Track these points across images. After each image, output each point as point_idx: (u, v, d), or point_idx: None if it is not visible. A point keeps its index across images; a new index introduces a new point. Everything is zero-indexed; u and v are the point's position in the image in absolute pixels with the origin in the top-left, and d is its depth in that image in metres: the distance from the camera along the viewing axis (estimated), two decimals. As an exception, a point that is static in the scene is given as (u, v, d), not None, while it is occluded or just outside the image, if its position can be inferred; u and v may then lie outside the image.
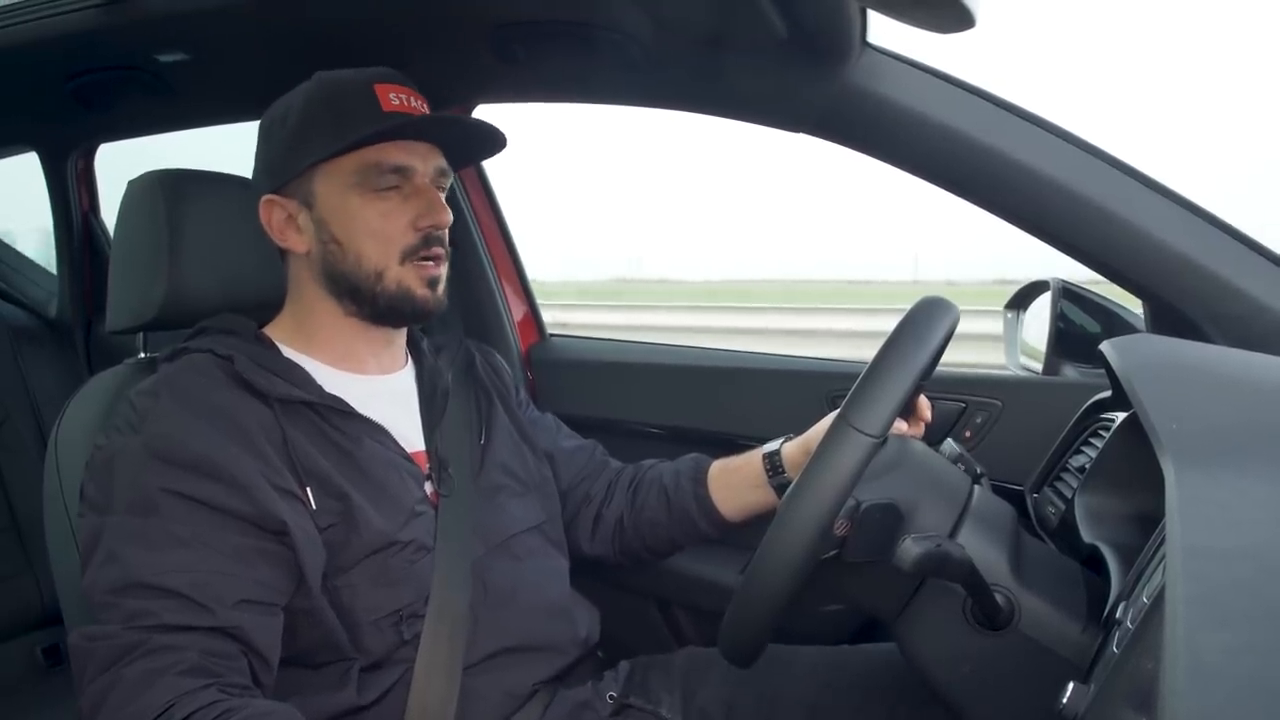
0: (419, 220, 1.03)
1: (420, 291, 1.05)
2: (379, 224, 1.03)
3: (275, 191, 1.06)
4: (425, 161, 1.05)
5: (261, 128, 1.09)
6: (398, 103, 1.03)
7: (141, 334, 1.18)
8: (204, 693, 0.82)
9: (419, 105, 1.05)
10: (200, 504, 0.91)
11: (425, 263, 1.05)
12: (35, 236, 2.34)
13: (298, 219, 1.06)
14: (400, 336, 1.14)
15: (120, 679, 0.83)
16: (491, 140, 1.12)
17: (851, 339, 6.60)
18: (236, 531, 0.91)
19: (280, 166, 1.06)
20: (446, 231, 1.07)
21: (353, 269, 1.04)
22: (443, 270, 1.07)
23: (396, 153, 1.03)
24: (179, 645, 0.85)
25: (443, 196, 1.08)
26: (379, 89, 1.03)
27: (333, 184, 1.03)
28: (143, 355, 1.18)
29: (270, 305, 1.12)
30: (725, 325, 7.65)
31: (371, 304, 1.05)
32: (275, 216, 1.07)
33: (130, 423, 0.95)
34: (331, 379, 1.05)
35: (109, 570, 0.88)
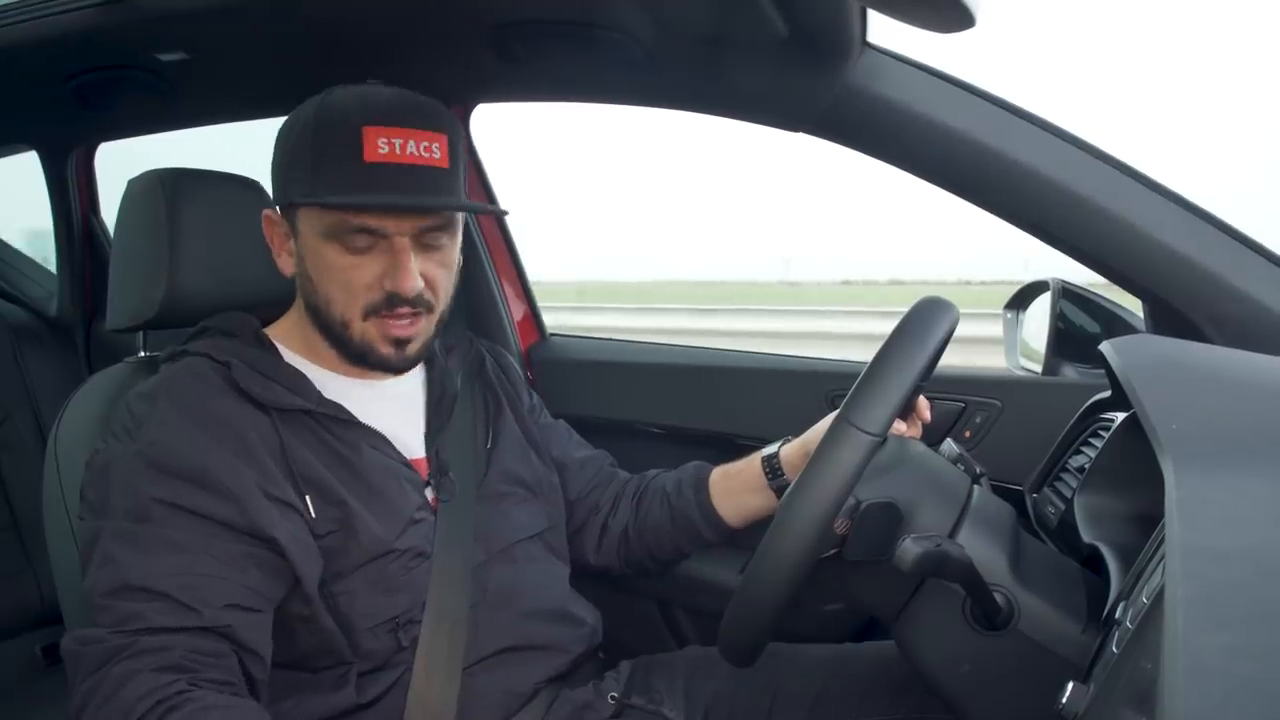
0: (384, 280, 0.99)
1: (384, 349, 1.02)
2: (345, 276, 0.99)
3: (274, 207, 1.06)
4: (400, 223, 0.97)
5: (277, 136, 1.06)
6: (385, 151, 0.94)
7: (141, 333, 1.18)
8: (173, 686, 0.83)
9: (419, 150, 0.96)
10: (193, 514, 0.91)
11: (391, 320, 1.00)
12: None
13: (289, 241, 1.05)
14: None
15: (104, 679, 0.84)
16: (481, 209, 1.09)
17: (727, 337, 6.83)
18: (229, 539, 0.92)
19: (275, 189, 1.05)
20: (439, 288, 1.03)
21: (323, 310, 1.02)
22: (416, 329, 1.02)
23: (369, 216, 0.96)
24: (165, 646, 0.85)
25: (443, 250, 1.02)
26: (367, 132, 0.94)
27: (310, 227, 1.00)
28: (143, 354, 1.18)
29: (270, 304, 1.11)
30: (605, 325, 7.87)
31: (341, 347, 1.04)
32: (275, 235, 1.06)
33: (126, 429, 0.95)
34: (332, 384, 1.05)
35: (104, 573, 0.89)
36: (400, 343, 1.02)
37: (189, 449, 0.93)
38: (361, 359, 1.04)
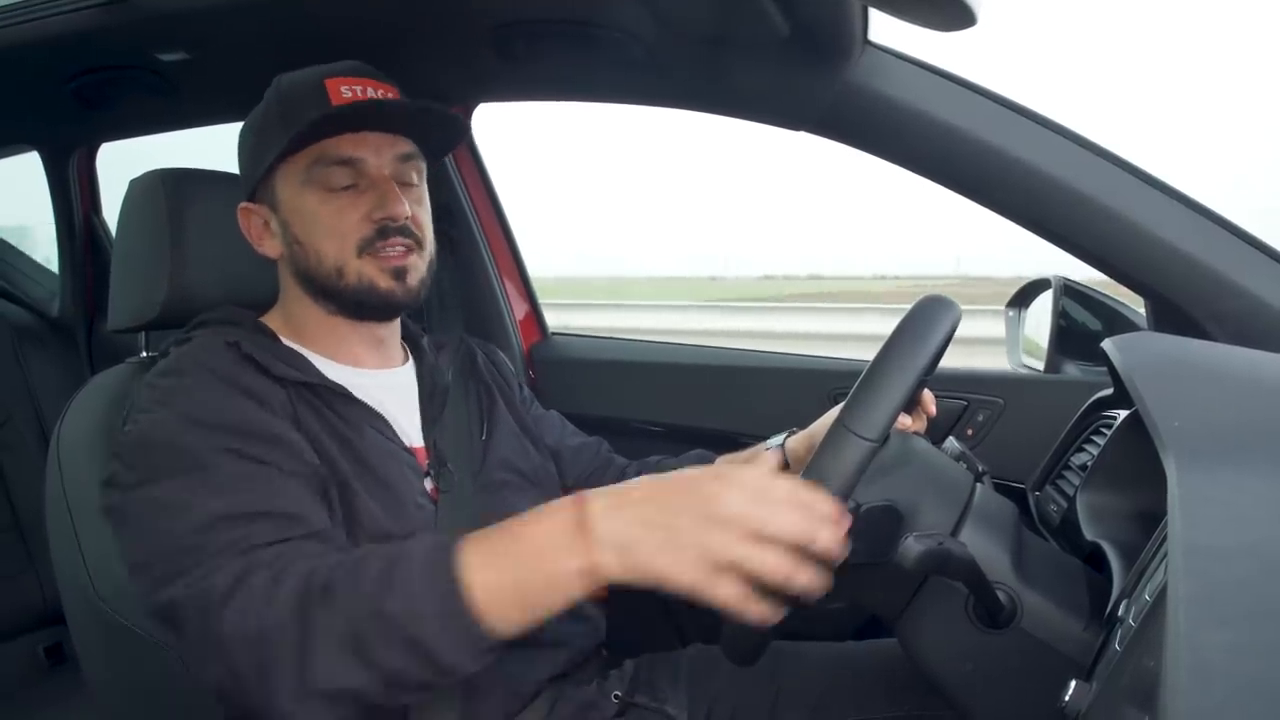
0: (373, 213, 1.01)
1: (384, 284, 1.02)
2: (333, 221, 1.01)
3: (249, 199, 1.07)
4: (379, 153, 1.02)
5: (239, 139, 1.09)
6: (349, 95, 1.01)
7: (143, 333, 1.18)
8: (325, 558, 0.82)
9: (378, 94, 1.03)
10: (257, 461, 0.89)
11: (384, 254, 1.02)
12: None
13: (269, 223, 1.06)
14: (392, 332, 1.13)
15: (250, 590, 0.80)
16: (449, 122, 1.08)
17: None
18: (297, 482, 0.91)
19: (248, 173, 1.07)
20: (423, 225, 1.05)
21: (315, 267, 1.03)
22: (411, 260, 1.03)
23: (344, 145, 1.00)
24: (284, 554, 0.83)
25: (417, 187, 1.06)
26: (329, 83, 1.01)
27: (289, 184, 1.03)
28: (144, 354, 1.18)
29: (271, 302, 1.12)
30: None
31: (340, 300, 1.04)
32: (253, 224, 1.07)
33: (158, 401, 0.93)
34: (328, 371, 1.05)
35: (184, 519, 0.84)
36: (399, 273, 1.02)
37: (232, 409, 0.92)
38: (360, 305, 1.04)
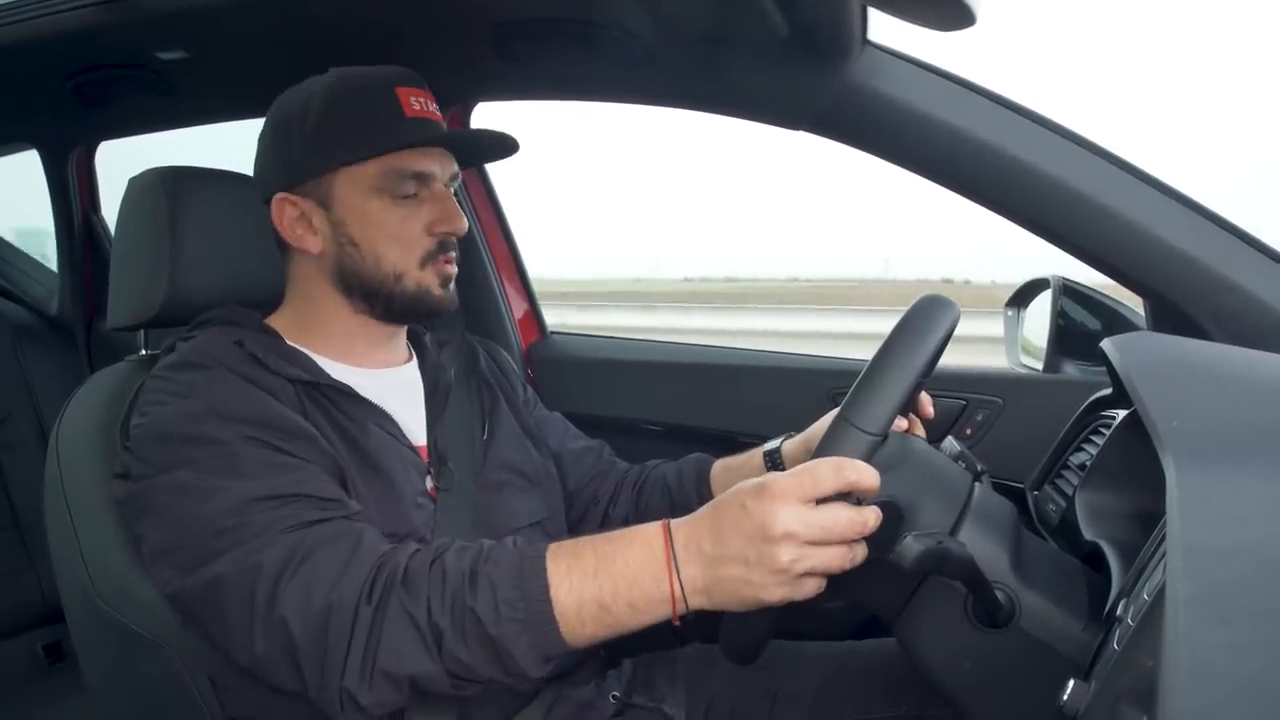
0: (435, 226, 1.04)
1: (437, 291, 1.06)
2: (398, 229, 1.04)
3: (289, 190, 1.05)
4: (443, 168, 1.07)
5: (272, 124, 1.07)
6: (418, 107, 1.04)
7: (142, 331, 1.17)
8: (402, 548, 0.85)
9: (433, 107, 1.07)
10: (283, 451, 0.90)
11: (443, 263, 1.07)
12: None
13: (312, 219, 1.05)
14: (401, 331, 1.14)
15: (315, 565, 0.82)
16: (502, 146, 1.14)
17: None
18: (324, 472, 0.92)
19: (300, 167, 1.04)
20: None
21: (371, 271, 1.04)
22: (455, 268, 1.09)
23: (418, 159, 1.04)
24: (343, 528, 0.86)
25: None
26: (401, 92, 1.03)
27: (354, 188, 1.03)
28: (144, 352, 1.18)
29: (272, 301, 1.11)
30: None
31: (386, 303, 1.06)
32: (286, 215, 1.05)
33: (175, 393, 0.93)
34: (333, 371, 1.05)
35: (216, 501, 0.85)
36: (447, 280, 1.08)
37: (252, 402, 0.93)
38: (408, 311, 1.08)
